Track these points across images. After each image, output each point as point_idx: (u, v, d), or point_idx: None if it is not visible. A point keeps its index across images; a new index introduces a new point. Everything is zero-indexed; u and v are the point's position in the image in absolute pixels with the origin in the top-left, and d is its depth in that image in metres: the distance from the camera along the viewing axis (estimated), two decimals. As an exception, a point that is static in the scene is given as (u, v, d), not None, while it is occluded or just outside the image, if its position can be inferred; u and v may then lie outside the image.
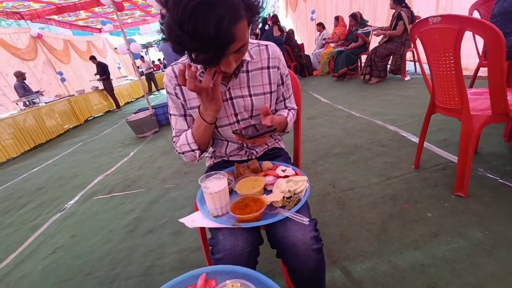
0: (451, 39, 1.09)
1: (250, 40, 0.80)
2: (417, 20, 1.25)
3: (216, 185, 0.63)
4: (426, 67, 1.43)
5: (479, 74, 2.14)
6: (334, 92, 4.17)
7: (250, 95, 0.81)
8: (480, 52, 2.10)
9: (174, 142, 0.84)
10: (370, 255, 1.10)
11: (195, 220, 0.65)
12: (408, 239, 1.13)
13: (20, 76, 5.58)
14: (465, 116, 1.20)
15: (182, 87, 0.79)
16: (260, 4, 0.59)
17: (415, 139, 2.00)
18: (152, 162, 2.78)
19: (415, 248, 1.08)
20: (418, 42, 1.34)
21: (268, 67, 0.81)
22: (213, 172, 0.69)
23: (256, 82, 0.80)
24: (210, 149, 1.02)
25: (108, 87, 7.10)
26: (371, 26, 4.30)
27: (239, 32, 0.53)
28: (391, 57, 4.14)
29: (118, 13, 3.87)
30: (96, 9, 7.76)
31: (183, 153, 0.81)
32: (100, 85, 7.20)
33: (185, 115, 0.84)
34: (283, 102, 0.91)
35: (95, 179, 2.65)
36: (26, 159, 4.17)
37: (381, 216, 1.30)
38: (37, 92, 5.67)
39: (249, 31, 0.62)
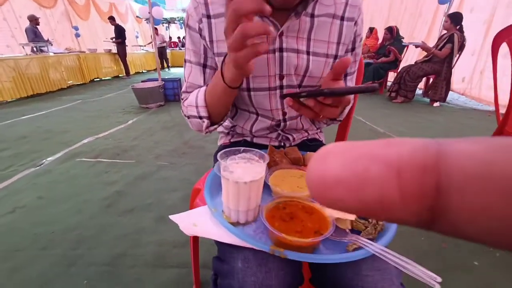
0: None
1: None
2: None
3: (246, 170, 0.36)
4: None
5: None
6: (356, 104, 3.89)
7: (308, 53, 0.54)
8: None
9: (182, 99, 0.59)
10: None
11: (199, 223, 0.38)
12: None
13: (34, 20, 5.29)
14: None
15: (212, 21, 0.52)
16: None
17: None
18: (150, 135, 2.51)
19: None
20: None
21: (343, 18, 0.54)
22: (240, 148, 0.42)
23: (320, 35, 0.54)
24: (227, 123, 0.75)
25: (122, 52, 6.77)
26: (422, 42, 3.95)
27: None
28: (423, 79, 3.88)
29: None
30: (126, -30, 7.46)
31: (188, 117, 0.57)
32: (114, 49, 6.90)
33: (204, 65, 0.57)
34: (343, 79, 0.64)
35: (85, 139, 2.38)
36: (19, 105, 3.90)
37: (413, 253, 1.04)
38: (47, 40, 5.39)
39: None
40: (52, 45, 5.62)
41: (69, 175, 1.73)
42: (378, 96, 4.50)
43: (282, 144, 0.69)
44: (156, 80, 4.00)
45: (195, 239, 0.72)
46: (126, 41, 6.81)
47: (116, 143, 2.30)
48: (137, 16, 10.91)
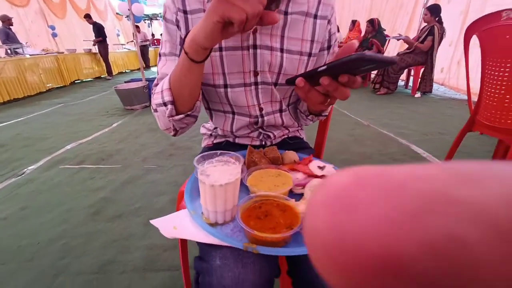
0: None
1: None
2: (484, 15, 1.03)
3: (222, 172, 0.38)
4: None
5: None
6: (341, 97, 3.96)
7: (282, 50, 0.56)
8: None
9: (152, 93, 0.57)
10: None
11: (179, 226, 0.39)
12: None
13: (7, 21, 5.04)
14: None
15: (189, 16, 0.53)
16: None
17: (431, 158, 1.82)
18: (136, 137, 2.47)
19: None
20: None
21: (316, 16, 0.56)
22: (217, 151, 0.43)
23: (294, 33, 0.55)
24: (210, 125, 0.76)
25: (103, 51, 6.53)
26: (399, 34, 4.03)
27: None
28: (405, 71, 3.98)
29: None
30: (102, -33, 7.20)
31: (155, 110, 0.55)
32: (94, 49, 6.67)
33: (177, 55, 0.57)
34: None
35: (67, 145, 2.31)
36: (-5, 112, 3.73)
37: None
38: (21, 43, 5.16)
39: None
40: (28, 47, 5.39)
41: (52, 183, 1.69)
42: (363, 89, 4.59)
43: (264, 143, 0.70)
44: (140, 80, 3.92)
45: (183, 241, 0.72)
46: (107, 39, 6.59)
47: (101, 147, 2.25)
48: (117, 13, 10.57)
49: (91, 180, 1.70)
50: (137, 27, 8.61)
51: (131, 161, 1.97)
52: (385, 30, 4.66)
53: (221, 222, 0.39)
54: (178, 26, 0.54)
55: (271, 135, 0.69)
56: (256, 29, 0.53)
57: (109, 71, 6.90)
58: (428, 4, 4.05)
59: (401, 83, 4.67)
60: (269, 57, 0.55)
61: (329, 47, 0.62)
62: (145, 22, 13.17)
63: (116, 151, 2.16)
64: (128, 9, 3.30)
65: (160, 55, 0.58)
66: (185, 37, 0.43)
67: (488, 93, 1.12)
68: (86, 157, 2.05)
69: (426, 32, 3.47)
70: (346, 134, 2.39)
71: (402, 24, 4.99)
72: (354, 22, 5.36)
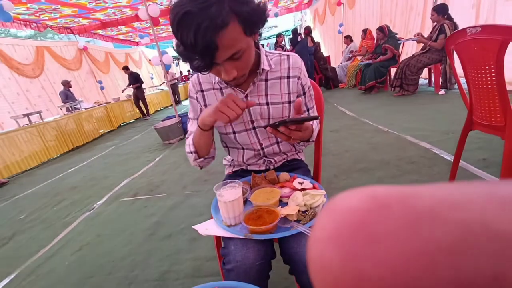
0: (493, 51, 1.00)
1: (271, 51, 0.81)
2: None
3: (230, 193, 0.63)
4: (462, 80, 1.33)
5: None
6: (360, 105, 4.04)
7: (268, 103, 0.81)
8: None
9: (186, 140, 0.88)
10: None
11: (208, 228, 0.64)
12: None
13: (67, 84, 6.15)
14: (510, 134, 1.09)
15: (204, 93, 0.83)
16: (256, 11, 0.58)
17: (450, 158, 1.85)
18: (176, 168, 2.87)
19: None
20: (454, 54, 1.27)
21: (288, 77, 0.80)
22: (228, 180, 0.69)
23: (274, 91, 0.80)
24: (229, 158, 1.02)
25: (141, 95, 7.46)
26: (414, 36, 4.02)
27: (224, 40, 0.54)
28: (423, 70, 3.95)
29: (154, 28, 4.16)
30: (135, 25, 8.43)
31: (187, 153, 0.85)
32: (130, 94, 7.64)
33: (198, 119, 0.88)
34: (306, 113, 0.89)
35: (123, 181, 2.79)
36: (64, 160, 4.53)
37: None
38: (77, 99, 6.22)
39: (255, 38, 0.64)
40: (82, 102, 6.42)
41: (116, 214, 2.09)
42: (384, 93, 4.60)
43: (268, 167, 0.94)
44: (174, 117, 4.47)
45: (217, 238, 0.98)
46: (143, 84, 7.53)
47: (149, 180, 2.67)
48: (149, 60, 12.01)
49: (144, 209, 2.07)
50: (167, 71, 9.69)
51: (174, 189, 2.33)
52: (396, 34, 4.70)
53: (233, 224, 0.63)
54: (198, 101, 0.84)
55: (273, 161, 0.92)
56: (247, 95, 0.79)
57: (147, 112, 7.80)
58: (437, 3, 4.06)
59: (424, 81, 4.59)
60: (259, 110, 0.81)
61: (304, 93, 0.86)
62: (173, 63, 14.62)
63: (161, 182, 2.55)
64: (160, 60, 3.90)
65: (188, 119, 0.89)
66: (201, 110, 0.72)
67: (475, 95, 1.23)
68: (139, 190, 2.47)
69: (437, 31, 3.48)
70: (365, 143, 2.49)
71: (415, 26, 4.97)
72: (365, 31, 5.48)
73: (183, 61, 0.60)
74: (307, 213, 0.62)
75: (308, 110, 0.88)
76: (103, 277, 1.39)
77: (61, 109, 6.05)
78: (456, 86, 3.66)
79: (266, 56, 0.78)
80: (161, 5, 7.06)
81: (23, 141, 4.28)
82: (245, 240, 0.61)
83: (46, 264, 1.62)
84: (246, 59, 0.62)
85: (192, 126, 0.86)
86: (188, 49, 0.55)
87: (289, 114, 0.83)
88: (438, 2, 4.06)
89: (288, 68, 0.80)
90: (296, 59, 0.81)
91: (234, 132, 0.84)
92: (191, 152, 0.80)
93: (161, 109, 9.54)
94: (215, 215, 0.68)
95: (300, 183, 0.72)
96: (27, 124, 4.64)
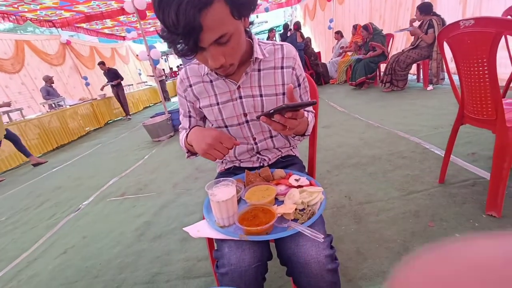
0: (486, 44, 1.00)
1: (264, 41, 0.77)
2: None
3: (223, 192, 0.59)
4: (454, 76, 1.33)
5: (512, 84, 1.98)
6: (351, 101, 4.06)
7: (261, 95, 0.77)
8: (514, 61, 1.95)
9: (179, 132, 0.89)
10: (390, 276, 1.00)
11: (200, 229, 0.60)
12: (434, 262, 1.02)
13: (48, 80, 5.88)
14: (501, 128, 1.09)
15: (193, 87, 0.79)
16: None
17: (439, 152, 1.87)
18: (165, 166, 2.80)
19: (442, 272, 0.97)
20: (446, 48, 1.26)
21: (282, 67, 0.77)
22: (221, 178, 0.65)
23: (267, 82, 0.76)
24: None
25: (121, 93, 6.80)
26: (409, 26, 3.97)
27: (208, 20, 0.50)
28: (412, 66, 3.99)
29: (141, 21, 4.02)
30: (121, 18, 8.15)
31: (182, 147, 0.85)
32: (108, 93, 7.28)
33: (189, 116, 0.85)
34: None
35: (110, 180, 2.69)
36: (48, 159, 4.35)
37: (402, 234, 1.19)
38: (60, 96, 5.97)
39: (243, 22, 0.59)
40: (65, 99, 6.15)
41: (103, 214, 2.01)
42: (374, 89, 4.64)
43: (262, 164, 0.90)
44: (163, 113, 4.36)
45: (210, 240, 0.94)
46: (123, 80, 6.97)
47: (137, 179, 2.59)
48: (137, 55, 11.68)
49: (133, 208, 2.00)
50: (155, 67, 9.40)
51: (163, 188, 2.26)
52: (382, 30, 4.73)
53: (227, 224, 0.59)
54: (186, 99, 0.82)
55: (266, 158, 0.89)
56: (239, 86, 0.75)
57: (127, 112, 7.19)
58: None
59: (413, 77, 4.65)
60: (252, 102, 0.77)
61: (299, 85, 0.82)
62: (162, 58, 14.29)
63: (150, 181, 2.48)
64: (148, 55, 3.78)
65: (181, 114, 0.86)
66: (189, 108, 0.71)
67: (467, 89, 1.23)
68: (127, 189, 2.38)
69: (427, 25, 3.52)
70: (357, 138, 2.50)
71: (404, 21, 5.02)
72: (355, 27, 5.50)
73: (168, 46, 0.55)
74: (304, 211, 0.58)
75: None
76: (89, 281, 1.33)
77: (43, 106, 5.80)
78: (444, 82, 3.73)
79: (259, 45, 0.74)
80: (148, -2, 6.85)
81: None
82: (240, 242, 0.57)
83: (28, 268, 1.54)
84: (234, 45, 0.58)
85: (183, 122, 0.85)
86: (170, 31, 0.51)
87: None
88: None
89: (282, 58, 0.77)
90: (290, 49, 0.77)
91: (226, 126, 0.81)
92: (185, 151, 0.83)
93: (150, 106, 9.32)
94: (207, 215, 0.63)
95: (296, 180, 0.69)
96: (7, 122, 4.42)
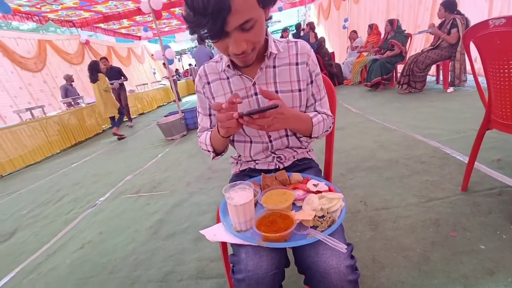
0: (518, 45, 0.94)
1: (279, 39, 0.78)
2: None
3: (240, 196, 0.58)
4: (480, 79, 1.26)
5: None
6: (366, 102, 3.96)
7: (277, 92, 0.76)
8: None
9: (198, 136, 0.88)
10: (409, 287, 0.96)
11: (217, 233, 0.60)
12: (456, 274, 0.97)
13: (69, 79, 6.07)
14: (532, 134, 1.03)
15: (211, 85, 0.80)
16: None
17: (461, 157, 1.79)
18: (178, 165, 2.83)
19: (465, 285, 0.92)
20: (472, 49, 1.20)
21: (297, 63, 0.77)
22: (238, 182, 0.64)
23: (283, 78, 0.76)
24: (235, 155, 0.97)
25: (123, 95, 6.01)
26: (429, 27, 3.86)
27: (237, 3, 0.51)
28: (432, 67, 3.85)
29: (157, 21, 4.10)
30: (138, 18, 8.34)
31: (204, 150, 0.85)
32: (137, 89, 7.53)
33: (209, 114, 0.85)
34: (313, 105, 0.83)
35: (125, 178, 2.76)
36: (67, 155, 4.52)
37: (422, 243, 1.15)
38: (78, 94, 6.15)
39: (265, 12, 0.61)
40: (83, 97, 6.32)
41: (118, 211, 2.06)
42: (390, 90, 4.51)
43: (277, 166, 0.89)
44: (177, 112, 4.43)
45: (224, 244, 0.94)
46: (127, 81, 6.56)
47: (151, 177, 2.63)
48: (152, 54, 11.93)
49: (147, 206, 2.04)
50: (164, 64, 9.56)
51: (177, 186, 2.29)
52: (405, 30, 4.58)
53: (244, 229, 0.58)
54: (205, 95, 0.81)
55: (282, 157, 0.87)
56: (255, 82, 0.74)
57: (128, 117, 6.35)
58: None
59: (432, 78, 4.49)
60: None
61: (311, 82, 0.80)
62: (175, 58, 14.52)
63: (164, 179, 2.51)
64: (163, 55, 3.84)
65: (198, 112, 0.86)
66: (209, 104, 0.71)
67: (495, 92, 1.17)
68: (142, 187, 2.43)
69: (449, 25, 3.37)
70: (371, 141, 2.43)
71: (424, 21, 4.86)
72: (371, 26, 5.37)
73: (191, 32, 0.56)
74: (324, 218, 0.57)
75: (315, 102, 0.82)
76: (105, 277, 1.36)
77: (63, 104, 6.02)
78: (466, 83, 3.57)
79: (274, 41, 0.76)
80: (164, -1, 6.97)
81: (26, 135, 4.26)
82: (257, 247, 0.56)
83: (47, 262, 1.60)
84: (257, 32, 0.59)
85: (203, 122, 0.85)
86: (198, 12, 0.51)
87: (300, 104, 0.78)
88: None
89: (296, 54, 0.77)
90: (304, 44, 0.78)
91: (242, 126, 0.80)
92: (209, 151, 0.82)
93: (164, 105, 9.49)
94: (224, 218, 0.63)
95: (315, 185, 0.67)
96: (30, 119, 4.62)
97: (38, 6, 5.91)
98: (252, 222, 0.57)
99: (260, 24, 0.59)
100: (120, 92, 5.93)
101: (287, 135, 0.84)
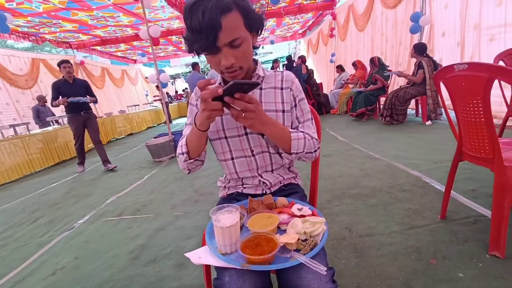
0: (480, 87, 1.06)
1: (267, 70, 0.87)
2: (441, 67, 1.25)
3: (227, 219, 0.60)
4: (452, 113, 1.39)
5: (508, 123, 2.05)
6: (352, 131, 4.14)
7: None
8: (508, 101, 2.04)
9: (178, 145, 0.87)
10: (392, 317, 0.96)
11: (202, 256, 0.60)
12: (437, 303, 0.98)
13: (41, 100, 5.85)
14: (498, 167, 1.12)
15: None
16: (255, 12, 0.69)
17: (439, 187, 1.88)
18: (165, 187, 2.78)
19: (446, 315, 0.93)
20: (443, 88, 1.33)
21: (281, 88, 0.85)
22: (225, 204, 0.66)
23: (268, 99, 0.83)
24: (223, 179, 0.99)
25: (92, 123, 3.92)
26: (390, 71, 4.40)
27: (227, 22, 0.62)
28: (411, 101, 4.15)
29: (154, 47, 4.26)
30: (135, 43, 8.61)
31: (177, 156, 0.84)
32: (128, 110, 7.52)
33: (195, 124, 0.88)
34: (298, 127, 0.86)
35: (108, 199, 2.66)
36: (48, 174, 4.34)
37: (404, 271, 1.16)
38: (53, 115, 5.90)
39: (251, 35, 0.71)
40: (55, 122, 6.02)
41: (98, 234, 1.97)
42: (373, 121, 4.75)
43: (265, 191, 0.91)
44: (166, 134, 4.43)
45: (207, 267, 0.92)
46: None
47: (136, 199, 2.56)
48: (145, 77, 12.15)
49: (129, 229, 1.96)
50: (157, 87, 9.69)
51: (161, 209, 2.23)
52: (388, 66, 4.98)
53: (229, 252, 0.59)
54: (197, 106, 0.87)
55: (268, 183, 0.90)
56: None
57: (105, 158, 4.00)
58: (422, 40, 4.39)
59: (412, 111, 4.78)
60: None
61: (295, 105, 0.86)
62: (169, 81, 14.81)
63: (149, 201, 2.45)
64: (157, 79, 3.94)
65: (186, 125, 0.89)
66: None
67: (464, 127, 1.28)
68: (125, 209, 2.35)
69: (417, 66, 3.83)
70: (357, 169, 2.51)
71: (404, 59, 5.29)
72: (354, 63, 5.82)
73: (189, 49, 0.67)
74: (307, 242, 0.59)
75: (299, 123, 0.86)
76: (78, 306, 1.27)
77: (50, 123, 5.87)
78: (442, 117, 3.84)
79: (262, 68, 0.86)
80: (162, 27, 7.30)
81: (6, 152, 4.10)
82: (241, 271, 0.57)
83: (14, 289, 1.48)
84: (244, 51, 0.68)
85: (186, 130, 0.86)
86: (195, 30, 0.62)
87: (283, 123, 0.83)
88: (423, 40, 4.39)
89: (282, 80, 0.86)
90: (289, 73, 0.87)
91: (226, 137, 0.85)
92: (183, 153, 0.80)
93: (154, 126, 9.47)
94: (209, 241, 0.64)
95: (299, 209, 0.70)
96: (12, 135, 4.48)
97: (37, 27, 6.03)
98: (237, 244, 0.59)
99: (247, 44, 0.69)
100: (86, 120, 3.76)
101: (269, 152, 0.87)
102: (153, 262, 1.52)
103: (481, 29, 3.42)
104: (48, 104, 6.06)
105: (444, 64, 3.89)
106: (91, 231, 2.03)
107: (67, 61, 3.63)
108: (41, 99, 5.89)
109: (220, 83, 0.83)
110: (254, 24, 0.71)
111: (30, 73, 6.71)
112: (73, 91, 3.56)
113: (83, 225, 2.16)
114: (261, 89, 0.84)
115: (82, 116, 3.73)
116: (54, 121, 5.62)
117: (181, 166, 0.85)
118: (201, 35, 0.62)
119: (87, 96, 3.71)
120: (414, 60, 4.09)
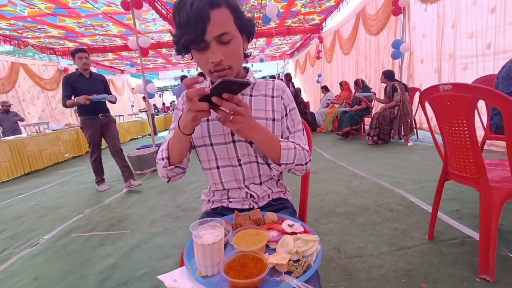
0: (464, 107, 1.08)
1: (259, 79, 0.84)
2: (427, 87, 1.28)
3: (210, 235, 0.53)
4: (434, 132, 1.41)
5: (484, 147, 2.13)
6: (338, 150, 4.18)
7: None
8: (485, 124, 2.13)
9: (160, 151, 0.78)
10: None
11: (177, 279, 0.52)
12: (431, 330, 0.93)
13: (4, 105, 5.39)
14: (484, 187, 1.12)
15: None
16: (245, 16, 0.68)
17: (425, 206, 1.88)
18: (144, 201, 2.62)
19: None
20: (427, 108, 1.36)
21: (272, 96, 0.82)
22: (208, 218, 0.59)
23: (258, 106, 0.80)
24: (207, 192, 0.92)
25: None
26: (374, 94, 4.67)
27: (215, 16, 0.61)
28: (395, 121, 4.29)
29: (142, 58, 4.21)
30: (123, 53, 8.53)
31: (157, 161, 0.76)
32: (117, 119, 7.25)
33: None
34: (288, 137, 0.82)
35: (80, 213, 2.46)
36: (16, 184, 4.01)
37: (395, 295, 1.11)
38: (16, 122, 5.55)
39: (241, 33, 0.69)
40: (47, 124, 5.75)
41: (64, 252, 1.78)
42: (358, 140, 4.86)
43: (252, 206, 0.85)
44: (150, 146, 4.28)
45: None
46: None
47: (112, 213, 2.38)
48: (132, 88, 11.96)
49: (101, 247, 1.79)
50: (144, 98, 9.53)
51: (139, 225, 2.08)
52: (371, 88, 5.20)
53: (210, 274, 0.52)
54: (183, 111, 0.78)
55: (255, 195, 0.84)
56: None
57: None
58: (403, 66, 4.67)
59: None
60: None
61: (286, 115, 0.83)
62: (157, 93, 14.67)
63: (126, 216, 2.28)
64: (144, 88, 3.86)
65: (169, 130, 0.83)
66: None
67: (449, 146, 1.30)
68: (98, 224, 2.17)
69: (391, 90, 4.10)
70: (343, 187, 2.50)
71: (386, 82, 5.55)
72: (341, 84, 6.04)
73: (177, 48, 0.66)
74: (299, 263, 0.52)
75: (289, 133, 0.82)
76: (30, 337, 1.09)
77: (25, 129, 5.54)
78: (417, 137, 4.06)
79: (253, 76, 0.84)
80: (152, 39, 7.31)
81: None
82: (224, 296, 0.49)
83: (-45, 317, 1.27)
84: (234, 48, 0.66)
85: (169, 135, 0.79)
86: (183, 22, 0.61)
87: (273, 131, 0.79)
88: (403, 66, 4.66)
89: (273, 89, 0.83)
90: (280, 82, 0.84)
91: (211, 144, 0.79)
92: (163, 158, 0.72)
93: (138, 138, 9.18)
94: (188, 261, 0.56)
95: (290, 226, 0.64)
96: (-20, 141, 4.15)
97: (20, 31, 5.85)
98: (220, 265, 0.51)
99: (237, 43, 0.67)
100: (105, 126, 3.13)
101: (257, 162, 0.82)
102: (124, 285, 1.37)
103: (456, 58, 3.67)
104: (14, 109, 5.69)
105: (423, 89, 4.11)
106: (57, 249, 1.84)
107: (83, 50, 2.86)
108: (4, 105, 5.43)
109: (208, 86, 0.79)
110: (245, 25, 0.69)
111: (7, 77, 6.41)
112: (91, 88, 2.84)
113: (49, 242, 1.95)
114: (251, 96, 0.81)
115: (100, 119, 2.96)
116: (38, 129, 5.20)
117: (160, 173, 0.77)
118: (189, 27, 0.60)
119: (111, 94, 2.98)
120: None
